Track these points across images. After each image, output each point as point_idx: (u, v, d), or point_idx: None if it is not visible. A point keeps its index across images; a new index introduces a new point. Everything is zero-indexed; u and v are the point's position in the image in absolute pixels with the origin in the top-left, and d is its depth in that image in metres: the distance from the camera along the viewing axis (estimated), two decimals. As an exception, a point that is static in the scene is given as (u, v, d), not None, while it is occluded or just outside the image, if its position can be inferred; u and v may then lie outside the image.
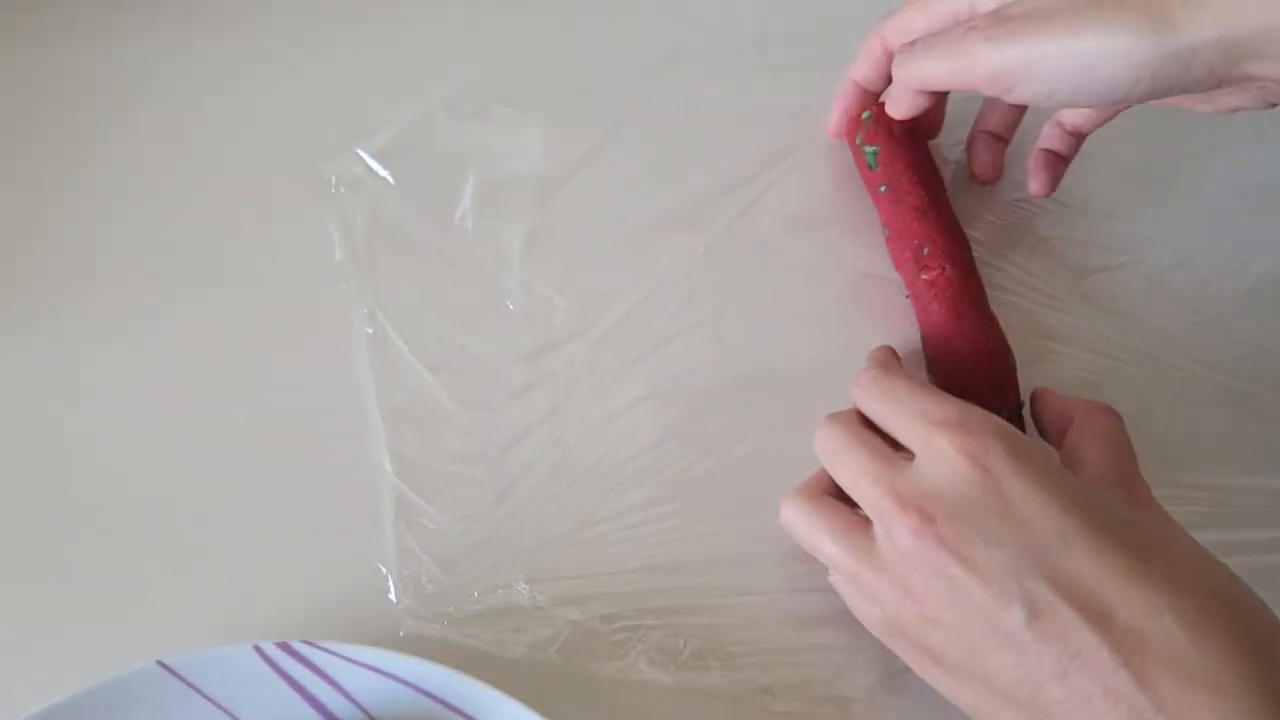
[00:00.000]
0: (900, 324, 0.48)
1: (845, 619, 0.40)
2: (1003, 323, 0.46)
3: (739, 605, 0.42)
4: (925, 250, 0.45)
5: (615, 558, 0.43)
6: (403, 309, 0.49)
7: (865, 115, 0.49)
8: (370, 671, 0.37)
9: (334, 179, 0.52)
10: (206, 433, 0.46)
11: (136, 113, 0.53)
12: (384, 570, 0.43)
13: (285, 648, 0.37)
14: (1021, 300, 0.49)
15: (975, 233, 0.49)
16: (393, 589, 0.42)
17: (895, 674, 0.41)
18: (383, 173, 0.52)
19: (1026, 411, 0.44)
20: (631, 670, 0.41)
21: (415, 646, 0.40)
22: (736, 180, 0.52)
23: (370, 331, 0.48)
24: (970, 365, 0.43)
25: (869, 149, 0.48)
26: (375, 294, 0.49)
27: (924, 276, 0.45)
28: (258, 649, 0.37)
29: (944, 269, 0.44)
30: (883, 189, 0.47)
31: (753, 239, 0.51)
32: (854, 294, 0.49)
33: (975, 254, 0.48)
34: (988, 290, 0.47)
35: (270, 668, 0.38)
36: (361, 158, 0.52)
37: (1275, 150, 0.52)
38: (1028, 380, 0.46)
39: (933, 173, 0.47)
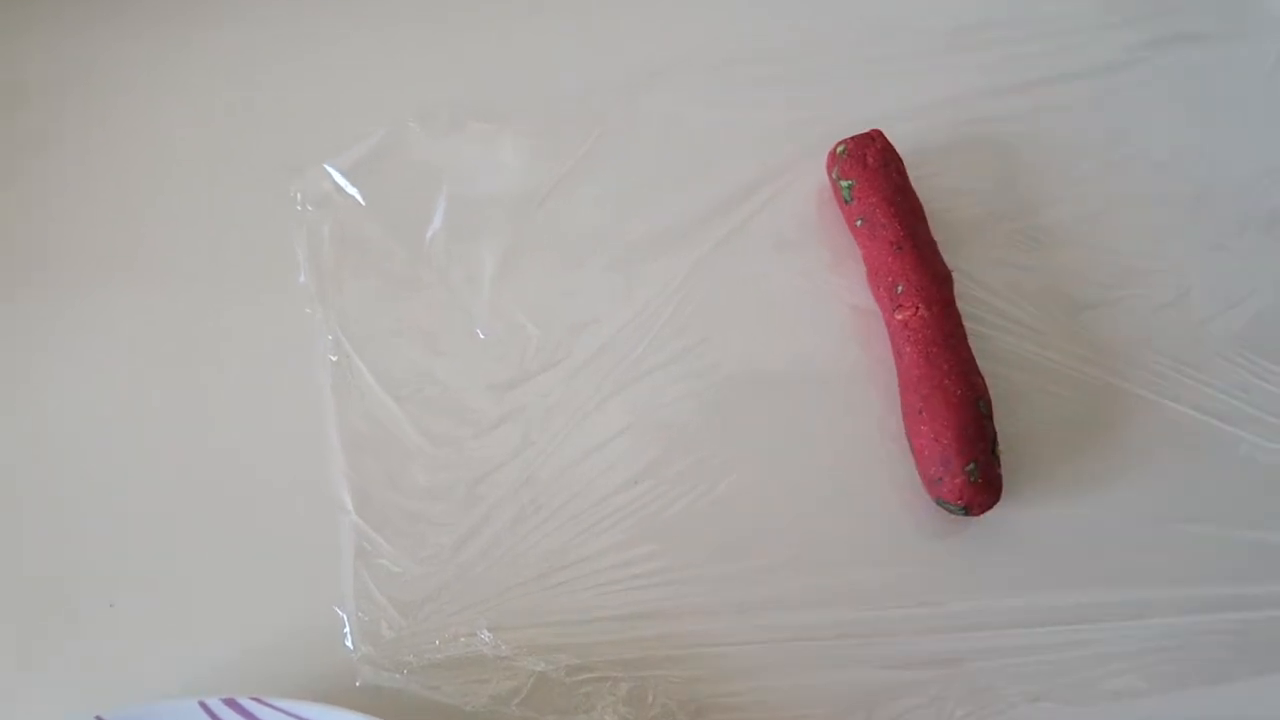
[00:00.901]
0: (888, 357, 0.46)
1: (828, 672, 0.38)
2: (986, 359, 0.44)
3: (714, 656, 0.41)
4: (899, 288, 0.44)
5: (585, 605, 0.41)
6: (369, 335, 0.47)
7: (840, 149, 0.47)
8: (321, 731, 0.35)
9: (300, 196, 0.49)
10: (153, 463, 0.43)
11: (98, 117, 0.51)
12: (341, 614, 0.41)
13: (232, 704, 0.35)
14: (1007, 336, 0.47)
15: (962, 264, 0.48)
16: (349, 635, 0.40)
17: (875, 732, 0.39)
18: (351, 190, 0.50)
19: (1004, 450, 0.42)
20: (598, 725, 0.39)
21: (372, 700, 0.38)
22: (722, 203, 0.50)
23: (334, 359, 0.46)
24: (941, 411, 0.41)
25: (844, 183, 0.46)
26: (340, 318, 0.47)
27: (898, 316, 0.43)
28: (203, 705, 0.35)
29: (917, 309, 0.43)
30: (859, 223, 0.46)
31: (737, 265, 0.48)
32: (840, 326, 0.47)
33: (960, 287, 0.46)
34: (971, 325, 0.45)
35: (215, 724, 0.35)
36: (330, 174, 0.50)
37: (1275, 182, 0.50)
38: (1010, 421, 0.44)
39: (911, 205, 0.46)
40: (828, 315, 0.47)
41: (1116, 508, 0.43)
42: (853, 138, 0.47)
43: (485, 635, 0.40)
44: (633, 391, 0.45)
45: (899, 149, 0.47)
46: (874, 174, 0.46)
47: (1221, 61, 0.53)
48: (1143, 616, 0.41)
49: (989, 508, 0.41)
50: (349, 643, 0.40)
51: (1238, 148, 0.51)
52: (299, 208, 0.49)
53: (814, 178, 0.50)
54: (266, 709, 0.35)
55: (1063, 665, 0.40)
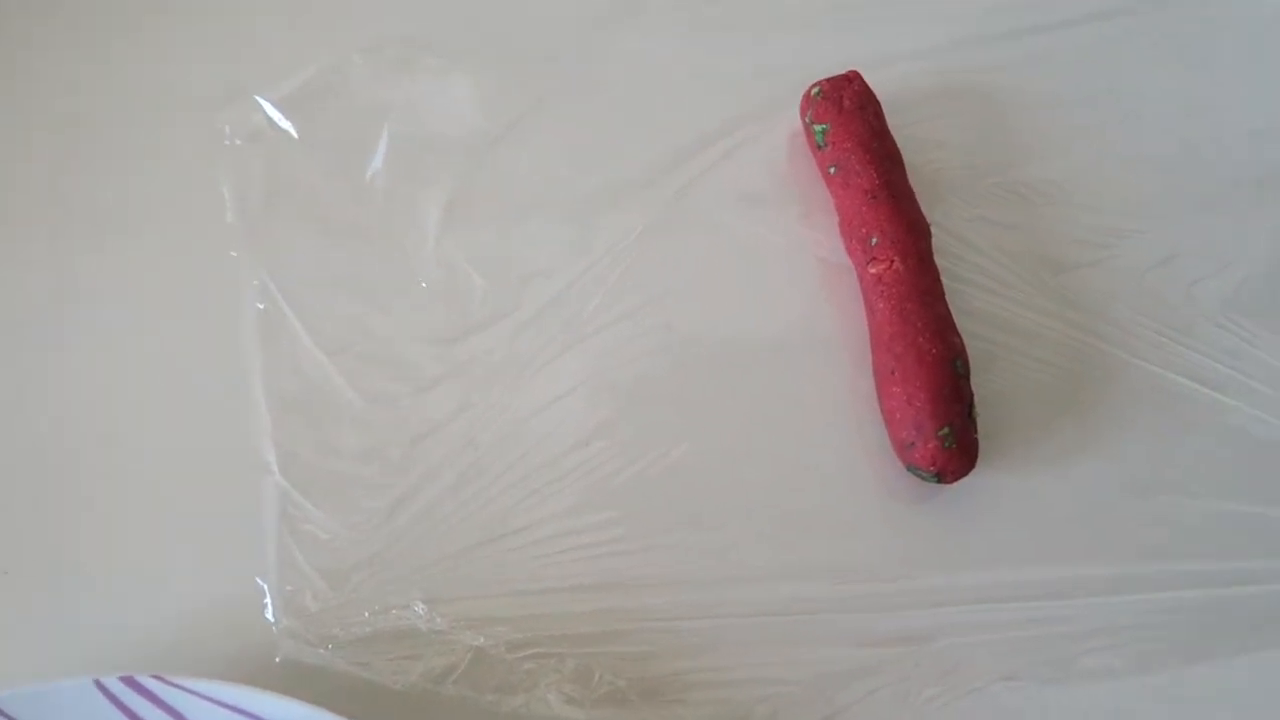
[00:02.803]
0: (860, 315, 0.43)
1: (790, 650, 0.35)
2: (965, 318, 0.42)
3: (667, 633, 0.38)
4: (873, 240, 0.41)
5: (528, 575, 0.38)
6: (300, 283, 0.43)
7: (814, 91, 0.44)
8: (232, 713, 0.32)
9: (229, 129, 0.45)
10: (60, 415, 0.40)
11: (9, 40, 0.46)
12: (262, 585, 0.37)
13: (131, 683, 0.32)
14: (986, 294, 0.44)
15: (941, 218, 0.45)
16: (270, 607, 0.37)
17: (837, 713, 0.37)
18: (285, 124, 0.46)
19: (981, 414, 0.40)
20: (540, 705, 0.36)
21: (292, 676, 0.35)
22: (686, 150, 0.46)
23: (261, 307, 0.42)
24: (914, 370, 0.38)
25: (818, 127, 0.43)
26: (269, 264, 0.43)
27: (871, 269, 0.41)
28: (99, 684, 0.32)
29: (892, 262, 0.40)
30: (833, 170, 0.43)
31: (700, 217, 0.45)
32: (810, 282, 0.44)
33: (939, 242, 0.43)
34: (950, 283, 0.42)
35: (114, 706, 0.32)
36: (261, 106, 0.46)
37: (1272, 144, 0.47)
38: (987, 384, 0.41)
39: (888, 152, 0.43)
40: (797, 270, 0.44)
41: (1097, 477, 0.41)
42: (828, 79, 0.44)
43: (419, 607, 0.37)
44: (585, 348, 0.42)
45: (880, 96, 0.44)
46: (850, 118, 0.43)
47: (1215, 15, 0.50)
48: (1122, 592, 0.39)
49: (963, 475, 0.39)
50: (270, 615, 0.37)
51: (1230, 104, 0.48)
52: (227, 142, 0.45)
53: (785, 126, 0.46)
54: (171, 689, 0.32)
55: (1037, 643, 0.38)
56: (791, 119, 0.46)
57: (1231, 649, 0.38)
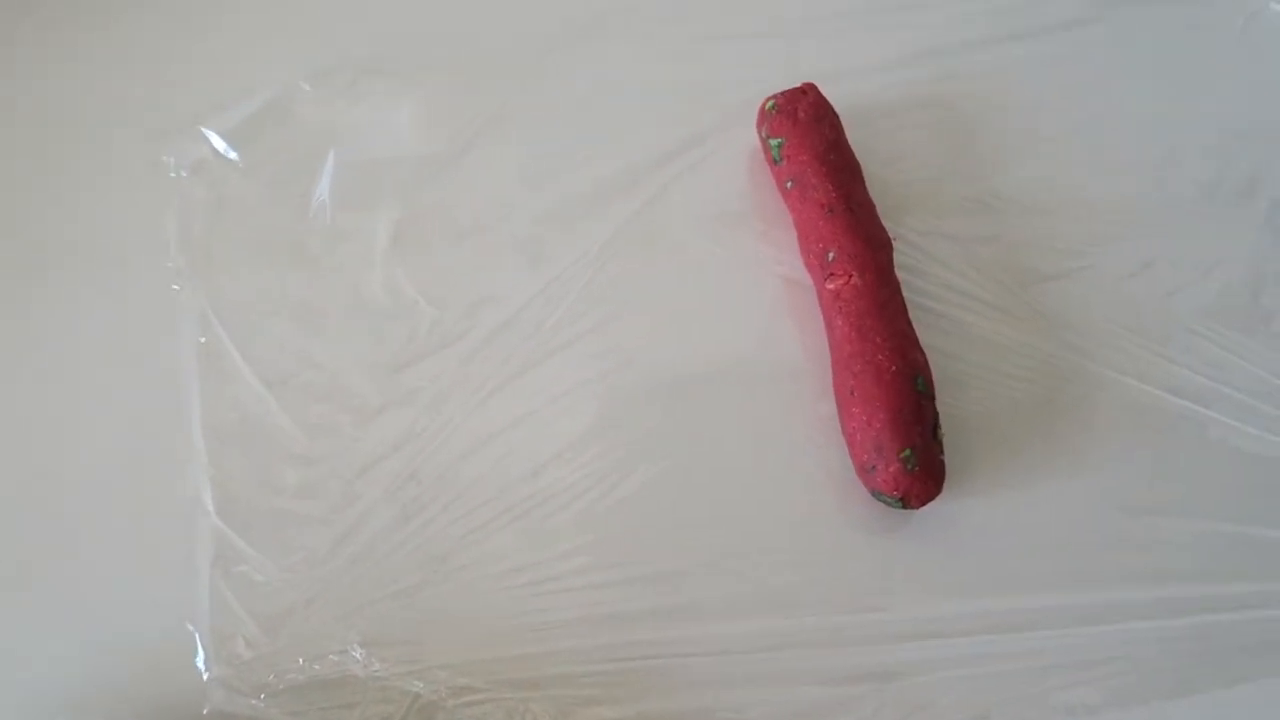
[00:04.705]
0: (823, 335, 0.41)
1: (747, 690, 0.33)
2: (933, 335, 0.40)
3: (620, 674, 0.36)
4: (831, 255, 0.39)
5: (472, 616, 0.36)
6: (242, 312, 0.42)
7: (769, 105, 0.42)
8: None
9: (173, 160, 0.44)
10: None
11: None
12: (192, 630, 0.36)
13: (40, 737, 0.30)
14: (956, 310, 0.42)
15: (906, 230, 0.43)
16: (201, 654, 0.35)
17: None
18: (230, 154, 0.45)
19: (948, 435, 0.38)
20: (484, 755, 0.34)
21: (219, 729, 0.33)
22: (642, 167, 0.45)
23: (202, 339, 0.41)
24: (872, 390, 0.36)
25: (774, 141, 0.42)
26: (211, 296, 0.42)
27: (829, 285, 0.39)
28: (6, 739, 0.30)
29: (850, 277, 0.38)
30: (789, 185, 0.41)
31: (658, 236, 0.44)
32: (771, 301, 0.42)
33: (903, 257, 0.42)
34: (916, 298, 0.41)
35: (23, 761, 0.30)
36: (207, 137, 0.45)
37: (1249, 144, 0.45)
38: (956, 403, 0.40)
39: (846, 164, 0.41)
40: (758, 289, 0.43)
41: (1072, 500, 0.39)
42: (783, 92, 0.43)
43: (357, 652, 0.35)
44: (536, 374, 0.41)
45: (842, 109, 0.43)
46: (805, 130, 0.41)
47: (1189, 20, 0.48)
48: (1098, 622, 0.37)
49: (929, 499, 0.37)
50: (200, 663, 0.35)
51: (1205, 110, 0.47)
52: (172, 174, 0.44)
53: (745, 142, 0.45)
54: (82, 743, 0.30)
55: (1008, 678, 0.36)
56: (752, 134, 0.44)
57: (1215, 681, 0.36)
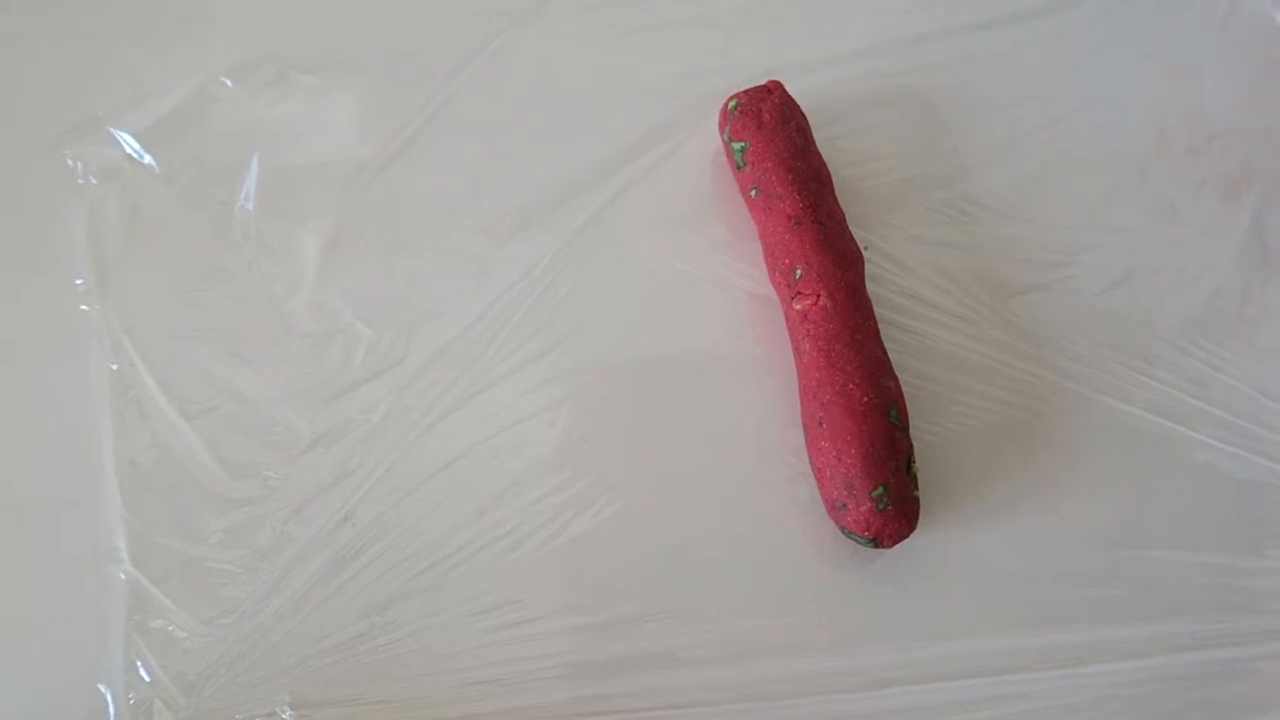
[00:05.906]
0: (790, 356, 0.39)
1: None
2: (904, 356, 0.38)
3: (573, 729, 0.33)
4: (798, 272, 0.36)
5: (411, 673, 0.34)
6: (158, 335, 0.38)
7: (732, 105, 0.39)
8: None
9: (80, 166, 0.41)
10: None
11: None
12: (104, 692, 0.33)
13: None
14: (927, 326, 0.40)
15: (877, 241, 0.40)
16: (114, 718, 0.32)
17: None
18: (145, 158, 0.41)
19: (922, 467, 0.36)
20: (425, 825, 0.32)
21: (132, 807, 0.31)
22: (596, 170, 0.42)
23: (114, 367, 0.38)
24: (843, 423, 0.34)
25: (736, 145, 0.39)
26: (125, 318, 0.39)
27: (796, 305, 0.36)
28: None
29: (818, 297, 0.36)
30: (754, 193, 0.38)
31: (614, 247, 0.41)
32: (735, 319, 0.40)
33: (874, 268, 0.39)
34: (886, 314, 0.39)
35: None
36: (117, 139, 0.41)
37: (1238, 145, 0.43)
38: (930, 429, 0.37)
39: (814, 171, 0.38)
40: (720, 306, 0.40)
41: (1053, 533, 0.37)
42: (746, 90, 0.40)
43: (286, 714, 0.33)
44: (480, 402, 0.38)
45: (809, 104, 0.40)
46: (771, 134, 0.38)
47: (1170, 9, 0.46)
48: (1085, 662, 0.35)
49: (902, 538, 0.35)
50: (113, 730, 0.32)
51: (1190, 104, 0.44)
52: (79, 180, 0.41)
53: (707, 141, 0.42)
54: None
55: (990, 730, 0.34)
56: (714, 130, 0.41)
57: (1209, 722, 0.34)
